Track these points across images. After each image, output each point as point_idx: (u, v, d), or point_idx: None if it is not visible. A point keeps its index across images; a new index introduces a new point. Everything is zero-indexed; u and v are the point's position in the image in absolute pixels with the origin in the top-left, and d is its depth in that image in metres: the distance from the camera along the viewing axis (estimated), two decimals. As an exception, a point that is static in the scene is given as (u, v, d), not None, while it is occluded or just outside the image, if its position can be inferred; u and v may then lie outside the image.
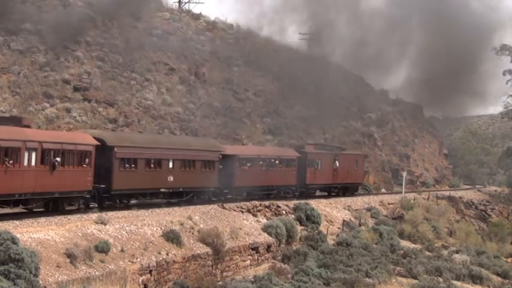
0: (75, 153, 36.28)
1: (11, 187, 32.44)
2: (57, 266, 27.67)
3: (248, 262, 41.47)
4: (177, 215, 40.02)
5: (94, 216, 34.48)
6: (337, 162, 58.72)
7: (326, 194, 59.41)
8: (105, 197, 38.77)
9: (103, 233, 32.78)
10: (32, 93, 51.98)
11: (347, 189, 61.95)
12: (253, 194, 49.16)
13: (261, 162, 50.49)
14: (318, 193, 59.15)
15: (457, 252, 55.12)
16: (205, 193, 45.90)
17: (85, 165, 37.02)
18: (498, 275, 51.33)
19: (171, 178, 42.71)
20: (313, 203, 54.55)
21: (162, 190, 42.56)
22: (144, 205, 41.56)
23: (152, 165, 41.56)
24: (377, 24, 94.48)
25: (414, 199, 74.55)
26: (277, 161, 51.68)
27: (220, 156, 46.53)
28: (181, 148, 43.74)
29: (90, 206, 38.49)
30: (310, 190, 56.50)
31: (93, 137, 38.10)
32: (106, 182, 38.51)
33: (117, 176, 39.02)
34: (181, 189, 43.98)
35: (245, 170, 48.76)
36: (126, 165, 39.65)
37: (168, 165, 42.69)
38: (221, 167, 46.60)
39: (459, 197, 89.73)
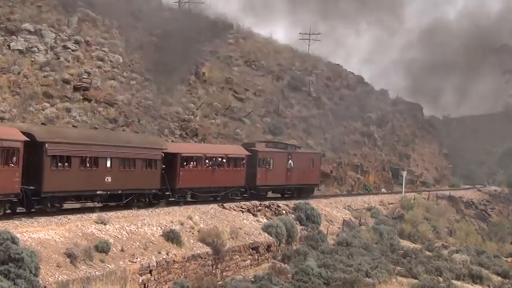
0: None
1: None
2: (57, 266, 27.66)
3: (248, 262, 41.46)
4: (177, 214, 40.02)
5: (94, 216, 34.47)
6: (291, 161, 53.92)
7: (279, 196, 54.35)
8: (35, 200, 34.13)
9: (103, 232, 32.77)
10: (32, 93, 51.95)
11: (302, 191, 56.56)
12: (198, 196, 45.24)
13: (207, 161, 45.85)
14: (270, 195, 53.89)
15: (457, 252, 55.15)
16: (146, 195, 41.53)
17: (12, 164, 32.26)
18: (498, 274, 51.37)
19: (109, 179, 38.20)
20: (313, 202, 54.59)
21: (98, 192, 37.99)
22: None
23: (88, 164, 37.02)
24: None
25: (414, 199, 74.62)
26: (224, 160, 46.97)
27: (163, 155, 42.22)
28: (120, 145, 39.05)
29: (17, 211, 34.12)
30: (261, 192, 51.35)
31: (22, 132, 33.48)
32: (36, 183, 33.92)
33: (48, 176, 34.44)
34: (120, 191, 39.35)
35: (189, 169, 44.27)
36: (59, 164, 35.05)
37: (106, 164, 38.15)
38: (164, 166, 42.44)
39: (459, 197, 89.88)
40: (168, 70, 65.34)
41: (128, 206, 39.45)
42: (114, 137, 41.67)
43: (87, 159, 36.91)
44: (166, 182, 42.32)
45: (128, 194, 39.90)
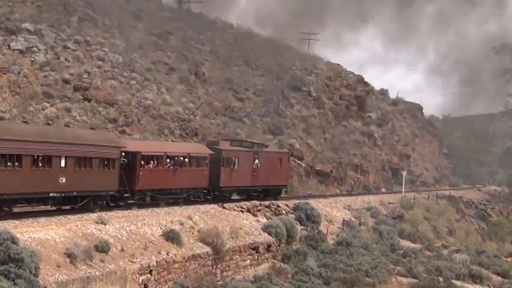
0: None
1: None
2: (57, 266, 27.67)
3: (248, 262, 41.47)
4: (177, 214, 40.01)
5: (94, 216, 34.48)
6: (257, 161, 50.00)
7: (244, 197, 50.25)
8: None
9: (103, 232, 32.78)
10: (32, 93, 51.97)
11: (269, 193, 52.30)
12: (158, 198, 41.62)
13: (168, 161, 42.48)
14: (234, 197, 50.41)
15: (457, 252, 55.15)
16: (104, 198, 38.00)
17: None
18: (498, 274, 51.34)
19: (63, 179, 34.91)
20: (313, 202, 54.61)
21: (52, 195, 34.69)
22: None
23: (40, 164, 33.87)
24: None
25: (414, 198, 74.69)
26: (186, 159, 43.66)
27: (123, 154, 38.95)
28: (75, 143, 35.65)
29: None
30: (224, 193, 47.67)
31: None
32: None
33: None
34: (75, 193, 35.93)
35: (149, 169, 40.88)
36: (8, 164, 32.10)
37: (60, 163, 34.86)
38: (124, 162, 39.12)
39: (459, 197, 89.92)
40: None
41: (84, 208, 36.41)
42: (69, 133, 37.83)
43: (40, 158, 33.70)
44: (125, 183, 39.02)
45: (83, 197, 36.49)
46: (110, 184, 38.17)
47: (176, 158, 42.98)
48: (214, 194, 46.50)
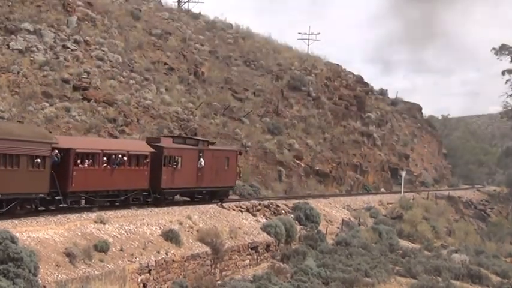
0: None
1: None
2: (56, 265, 27.68)
3: (247, 261, 41.51)
4: (176, 214, 40.05)
5: (93, 215, 34.49)
6: (202, 159, 45.23)
7: (188, 200, 46.32)
8: None
9: (102, 232, 32.79)
10: (31, 93, 51.93)
11: (215, 195, 47.59)
12: (94, 201, 37.25)
13: (105, 159, 37.84)
14: (177, 199, 45.83)
15: (456, 252, 55.22)
16: (32, 201, 33.59)
17: None
18: (497, 274, 51.40)
19: None
20: (312, 202, 54.64)
21: None
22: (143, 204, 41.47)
23: None
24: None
25: (413, 199, 74.79)
26: (125, 158, 38.94)
27: (56, 151, 34.66)
28: (0, 138, 31.10)
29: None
30: (167, 196, 43.00)
31: None
32: None
33: None
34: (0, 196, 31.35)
35: (84, 169, 36.23)
36: None
37: None
38: (56, 161, 34.61)
39: (458, 197, 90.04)
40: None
41: (10, 213, 32.30)
42: None
43: None
44: (57, 185, 34.34)
45: (9, 200, 31.80)
46: (40, 185, 33.51)
47: (114, 156, 38.43)
48: (155, 196, 41.78)
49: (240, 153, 53.13)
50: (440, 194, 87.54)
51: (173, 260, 34.36)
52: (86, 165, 36.55)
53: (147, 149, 41.47)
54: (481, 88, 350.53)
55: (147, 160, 40.75)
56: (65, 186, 35.01)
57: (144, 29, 73.93)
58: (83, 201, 36.88)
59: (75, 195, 36.05)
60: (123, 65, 63.05)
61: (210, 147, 47.79)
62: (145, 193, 41.11)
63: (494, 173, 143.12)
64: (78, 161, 35.95)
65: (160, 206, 41.18)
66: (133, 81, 61.63)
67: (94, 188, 37.23)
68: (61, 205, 34.92)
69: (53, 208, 34.53)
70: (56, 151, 34.61)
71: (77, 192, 36.04)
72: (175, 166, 42.98)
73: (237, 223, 43.62)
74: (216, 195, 47.67)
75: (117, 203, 39.00)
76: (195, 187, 45.63)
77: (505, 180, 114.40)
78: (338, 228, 54.43)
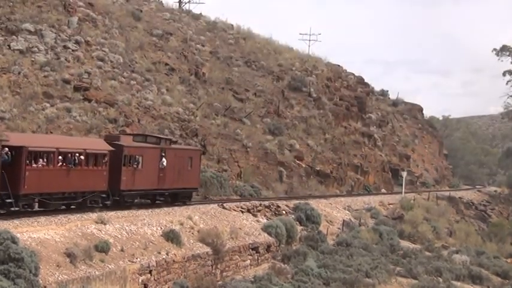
0: None
1: None
2: (57, 266, 27.69)
3: (248, 262, 41.51)
4: (177, 214, 40.06)
5: (94, 215, 34.51)
6: (164, 159, 42.49)
7: (149, 202, 43.22)
8: None
9: (103, 232, 32.81)
10: (32, 93, 51.97)
11: (177, 197, 44.67)
12: (48, 204, 34.50)
13: (61, 158, 35.00)
14: (137, 201, 42.09)
15: (457, 253, 55.20)
16: None
17: None
18: (498, 275, 51.41)
19: None
20: (313, 202, 54.65)
21: None
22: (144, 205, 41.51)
23: None
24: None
25: (414, 199, 74.72)
26: (82, 157, 36.15)
27: (7, 149, 32.12)
28: None
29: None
30: (126, 198, 39.92)
31: None
32: None
33: None
34: None
35: (38, 169, 33.52)
36: None
37: None
38: (7, 160, 32.10)
39: (459, 197, 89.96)
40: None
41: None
42: None
43: None
44: (8, 186, 31.76)
45: None
46: None
47: (70, 155, 35.62)
48: (115, 198, 38.85)
49: (204, 153, 49.34)
50: (441, 194, 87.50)
51: (174, 261, 34.37)
52: (40, 165, 33.83)
53: (105, 147, 38.63)
54: (482, 89, 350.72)
55: (106, 160, 37.98)
56: (16, 188, 32.25)
57: (145, 29, 73.97)
58: (36, 205, 34.31)
59: (28, 197, 33.37)
60: (124, 65, 63.08)
61: (173, 146, 45.19)
62: (103, 195, 38.24)
63: (495, 174, 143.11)
64: (31, 161, 33.25)
65: (119, 209, 38.10)
66: (134, 82, 61.65)
67: (49, 189, 34.43)
68: (12, 209, 32.21)
69: (3, 212, 31.92)
70: (7, 149, 32.00)
71: (29, 194, 33.37)
72: (135, 166, 40.19)
73: (238, 223, 43.64)
74: (179, 198, 44.70)
75: (73, 206, 36.54)
76: (156, 189, 42.59)
77: (506, 180, 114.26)
78: (339, 228, 54.44)
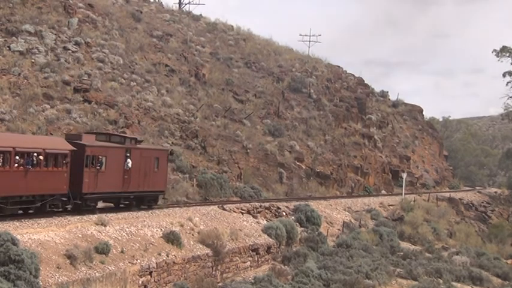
0: None
1: None
2: (57, 267, 27.69)
3: (248, 263, 41.51)
4: (177, 216, 40.04)
5: (94, 217, 34.50)
6: (129, 160, 39.35)
7: (112, 206, 40.35)
8: None
9: (103, 234, 32.80)
10: (32, 95, 51.97)
11: (143, 201, 41.48)
12: (3, 209, 31.73)
13: (18, 159, 32.38)
14: (100, 205, 39.36)
15: (457, 254, 55.20)
16: None
17: None
18: (498, 276, 51.40)
19: None
20: (313, 204, 54.64)
21: None
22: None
23: None
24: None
25: (414, 200, 74.68)
26: (41, 157, 33.39)
27: None
28: None
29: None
30: (89, 202, 36.90)
31: None
32: None
33: None
34: None
35: None
36: None
37: None
38: None
39: (459, 199, 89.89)
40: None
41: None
42: None
43: None
44: None
45: None
46: None
47: (27, 155, 32.97)
48: (76, 202, 35.93)
49: (171, 153, 46.06)
50: (441, 195, 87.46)
51: (174, 262, 34.36)
52: None
53: (66, 147, 35.65)
54: (482, 90, 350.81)
55: (67, 160, 35.13)
56: None
57: (145, 30, 74.00)
58: None
59: None
60: (124, 66, 63.09)
61: (138, 146, 41.90)
62: (64, 199, 35.42)
63: (495, 175, 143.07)
64: None
65: (81, 213, 35.54)
66: (134, 83, 61.67)
67: (4, 193, 31.71)
68: None
69: None
70: None
71: None
72: (98, 167, 37.29)
73: (238, 225, 43.62)
74: (145, 201, 41.63)
75: (31, 211, 33.81)
76: (121, 192, 39.56)
77: (506, 182, 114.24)
78: (339, 230, 54.43)
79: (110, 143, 39.43)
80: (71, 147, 35.61)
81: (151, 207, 41.75)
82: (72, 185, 35.41)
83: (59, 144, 35.79)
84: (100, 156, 37.51)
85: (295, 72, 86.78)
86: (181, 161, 53.52)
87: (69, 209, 35.64)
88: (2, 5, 59.48)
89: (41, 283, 25.75)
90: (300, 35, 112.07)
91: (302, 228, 49.22)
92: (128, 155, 39.59)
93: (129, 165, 39.36)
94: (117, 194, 39.64)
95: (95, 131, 44.17)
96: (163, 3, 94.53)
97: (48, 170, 34.01)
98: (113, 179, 38.44)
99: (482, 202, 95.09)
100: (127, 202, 40.73)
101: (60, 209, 35.12)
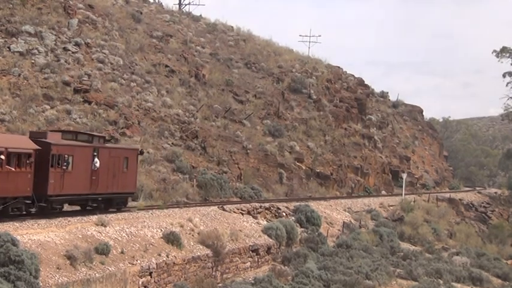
0: None
1: None
2: (57, 268, 27.69)
3: (248, 264, 41.51)
4: (177, 216, 40.04)
5: (94, 218, 34.50)
6: (97, 159, 36.99)
7: (78, 209, 38.03)
8: None
9: (103, 234, 32.81)
10: (32, 95, 51.98)
11: (111, 203, 39.04)
12: None
13: None
14: (66, 208, 37.30)
15: (457, 254, 55.20)
16: None
17: None
18: (498, 277, 51.42)
19: None
20: (313, 204, 54.63)
21: None
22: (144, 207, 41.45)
23: None
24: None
25: (414, 201, 74.67)
26: (3, 157, 31.10)
27: None
28: None
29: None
30: (54, 204, 34.61)
31: None
32: None
33: None
34: None
35: None
36: None
37: None
38: None
39: (459, 199, 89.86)
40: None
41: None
42: None
43: None
44: None
45: None
46: None
47: None
48: (40, 205, 33.50)
49: (141, 153, 43.88)
50: (441, 196, 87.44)
51: (174, 263, 34.36)
52: None
53: (30, 145, 33.26)
54: (482, 90, 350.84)
55: (31, 160, 32.79)
56: None
57: (145, 31, 74.00)
58: None
59: None
60: (124, 67, 63.10)
61: (107, 144, 39.66)
62: (28, 201, 33.04)
63: (495, 175, 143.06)
64: None
65: (47, 217, 33.47)
66: (134, 84, 61.68)
67: None
68: None
69: None
70: None
71: None
72: (65, 167, 34.83)
73: (238, 225, 43.63)
74: (113, 203, 39.28)
75: None
76: (88, 193, 37.14)
77: (506, 182, 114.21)
78: (339, 230, 54.42)
79: (76, 141, 37.10)
80: (35, 146, 33.31)
81: (120, 210, 39.30)
82: (37, 187, 33.08)
83: (23, 142, 33.45)
84: (66, 156, 35.10)
85: (295, 73, 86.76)
86: (181, 161, 53.54)
87: (33, 212, 33.33)
88: (2, 5, 59.49)
89: (41, 284, 25.75)
90: (300, 35, 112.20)
91: (302, 229, 49.22)
92: (96, 154, 37.18)
93: (97, 165, 37.00)
94: (85, 196, 37.23)
95: (61, 129, 41.17)
96: (163, 4, 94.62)
97: (11, 170, 31.56)
98: (80, 179, 36.06)
99: (483, 202, 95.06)
100: (95, 204, 38.15)
101: (24, 212, 32.94)
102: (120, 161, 39.35)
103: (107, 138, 41.06)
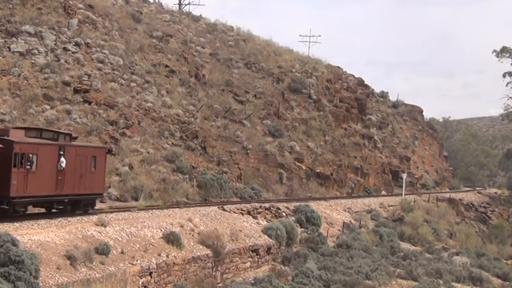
0: None
1: None
2: (57, 268, 27.69)
3: (248, 264, 41.51)
4: (177, 216, 40.05)
5: (94, 218, 34.50)
6: (63, 159, 34.67)
7: (43, 212, 35.62)
8: None
9: (103, 235, 32.81)
10: (32, 95, 51.97)
11: (78, 204, 36.68)
12: None
13: None
14: (30, 210, 34.94)
15: (457, 254, 55.19)
16: None
17: None
18: (498, 277, 51.41)
19: None
20: (313, 204, 54.63)
21: None
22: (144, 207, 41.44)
23: None
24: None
25: (414, 201, 74.67)
26: None
27: None
28: None
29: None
30: (17, 207, 32.36)
31: None
32: None
33: None
34: None
35: None
36: None
37: None
38: None
39: (459, 199, 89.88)
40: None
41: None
42: None
43: None
44: None
45: None
46: None
47: None
48: (2, 207, 31.43)
49: (110, 151, 41.89)
50: (441, 196, 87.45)
51: (174, 263, 34.36)
52: None
53: None
54: (482, 90, 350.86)
55: None
56: None
57: (145, 31, 73.98)
58: None
59: None
60: (124, 67, 63.09)
61: (73, 142, 37.42)
62: None
63: (495, 176, 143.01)
64: None
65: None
66: (134, 84, 61.67)
67: None
68: None
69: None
70: None
71: None
72: (29, 167, 32.51)
73: (238, 226, 43.63)
74: (80, 205, 36.94)
75: None
76: (54, 195, 34.76)
77: (506, 182, 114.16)
78: (339, 230, 54.42)
79: (41, 139, 34.89)
80: None
81: (87, 212, 37.00)
82: None
83: None
84: (30, 155, 32.74)
85: (295, 73, 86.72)
86: (181, 161, 53.54)
87: None
88: (2, 5, 59.49)
89: (41, 284, 25.76)
90: (300, 35, 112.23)
91: (302, 229, 49.22)
92: (62, 153, 34.87)
93: (63, 164, 34.76)
94: (50, 198, 34.74)
95: (23, 126, 39.01)
96: (163, 4, 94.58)
97: None
98: (45, 180, 33.71)
99: (483, 203, 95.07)
100: (61, 207, 35.92)
101: None
102: (88, 160, 36.96)
103: (73, 135, 38.96)
